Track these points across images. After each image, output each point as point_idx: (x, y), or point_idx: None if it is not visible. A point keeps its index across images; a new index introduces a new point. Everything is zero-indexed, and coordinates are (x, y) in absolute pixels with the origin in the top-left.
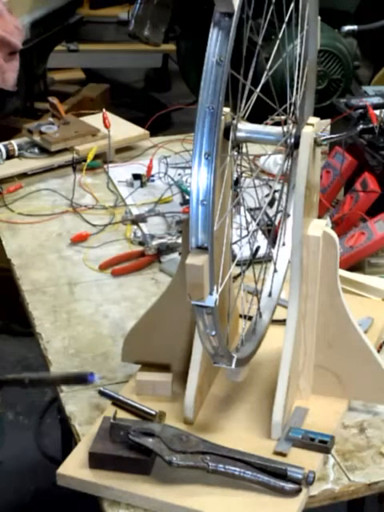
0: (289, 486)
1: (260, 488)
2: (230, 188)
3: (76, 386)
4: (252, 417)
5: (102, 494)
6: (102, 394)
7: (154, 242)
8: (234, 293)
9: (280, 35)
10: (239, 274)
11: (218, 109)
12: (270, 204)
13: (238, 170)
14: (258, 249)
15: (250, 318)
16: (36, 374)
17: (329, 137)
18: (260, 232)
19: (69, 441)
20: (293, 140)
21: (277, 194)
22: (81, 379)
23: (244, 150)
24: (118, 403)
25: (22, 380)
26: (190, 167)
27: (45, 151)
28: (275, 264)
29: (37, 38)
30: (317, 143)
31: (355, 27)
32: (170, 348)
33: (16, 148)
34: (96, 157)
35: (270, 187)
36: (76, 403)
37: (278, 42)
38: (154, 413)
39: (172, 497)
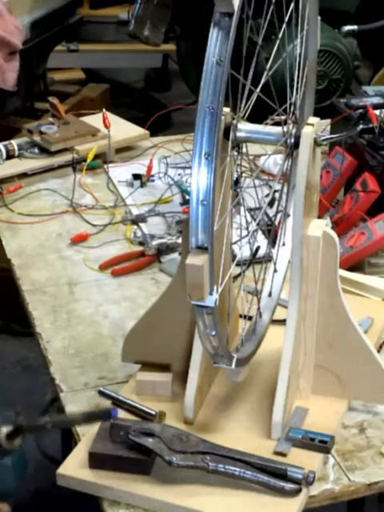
0: (289, 486)
1: (260, 488)
2: (230, 188)
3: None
4: (252, 417)
5: (102, 494)
6: (102, 393)
7: (154, 242)
8: (234, 293)
9: (280, 35)
10: (239, 274)
11: (218, 109)
12: (270, 204)
13: (238, 169)
14: (258, 249)
15: (250, 318)
16: (57, 417)
17: (329, 137)
18: (260, 232)
19: (69, 441)
20: (293, 140)
21: (277, 194)
22: (103, 415)
23: (244, 149)
24: (118, 403)
25: (43, 426)
26: (190, 167)
27: (45, 151)
28: (275, 264)
29: (37, 38)
30: (317, 143)
31: (355, 27)
32: (170, 348)
33: (16, 148)
34: (96, 157)
35: (270, 187)
36: (76, 403)
37: (278, 42)
38: (154, 413)
39: (172, 497)
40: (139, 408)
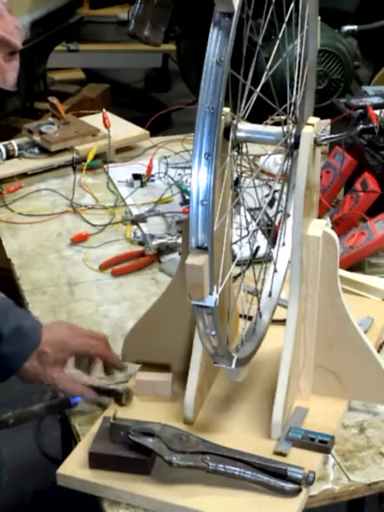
0: (289, 486)
1: (260, 488)
2: (229, 188)
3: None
4: (252, 417)
5: (102, 494)
6: None
7: (154, 242)
8: (234, 293)
9: (280, 35)
10: (239, 274)
11: (218, 109)
12: (270, 204)
13: (238, 169)
14: (257, 249)
15: (250, 318)
16: (19, 411)
17: (329, 137)
18: (260, 232)
19: (69, 441)
20: (293, 140)
21: (277, 194)
22: (64, 404)
23: (244, 149)
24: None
25: (5, 421)
26: (189, 167)
27: (45, 151)
28: (275, 264)
29: (37, 38)
30: (317, 143)
31: (355, 27)
32: (170, 348)
33: (16, 148)
34: (96, 157)
35: (270, 187)
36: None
37: (277, 42)
38: (120, 390)
39: (172, 497)
40: (105, 389)
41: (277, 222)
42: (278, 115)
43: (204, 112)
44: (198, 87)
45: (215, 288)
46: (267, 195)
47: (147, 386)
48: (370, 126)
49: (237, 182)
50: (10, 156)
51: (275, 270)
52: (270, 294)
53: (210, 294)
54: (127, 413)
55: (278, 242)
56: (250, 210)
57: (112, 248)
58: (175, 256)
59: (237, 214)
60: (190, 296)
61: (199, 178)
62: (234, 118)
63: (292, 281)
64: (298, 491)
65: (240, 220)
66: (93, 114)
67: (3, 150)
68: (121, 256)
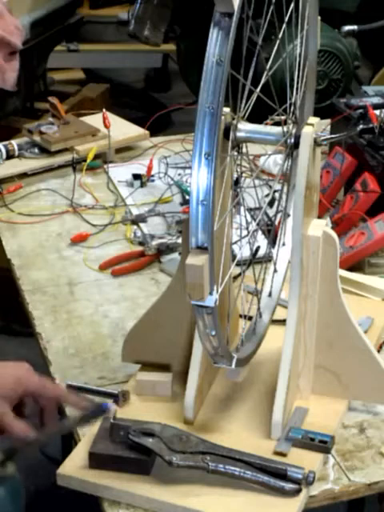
0: (289, 486)
1: (260, 488)
2: (230, 188)
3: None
4: (252, 417)
5: (102, 494)
6: (70, 386)
7: (154, 242)
8: (234, 293)
9: (280, 35)
10: (239, 274)
11: (218, 109)
12: (270, 204)
13: (238, 169)
14: (258, 249)
15: (250, 318)
16: (49, 430)
17: (329, 137)
18: (260, 232)
19: (69, 441)
20: (293, 140)
21: (277, 194)
22: (97, 412)
23: (244, 149)
24: (82, 391)
25: (36, 442)
26: (190, 167)
27: (45, 151)
28: (275, 264)
29: (37, 37)
30: (317, 143)
31: (355, 27)
32: (170, 348)
33: (16, 148)
34: (96, 157)
35: (270, 187)
36: None
37: (278, 42)
38: (116, 392)
39: (172, 497)
40: (102, 391)
41: (277, 222)
42: (278, 115)
43: (204, 112)
44: (198, 87)
45: (215, 288)
46: (267, 195)
47: (147, 386)
48: (370, 126)
49: (237, 182)
50: (10, 156)
51: (275, 270)
52: (270, 294)
53: (210, 294)
54: (127, 413)
55: (277, 242)
56: (249, 209)
57: (112, 248)
58: (175, 256)
59: (237, 214)
60: (189, 296)
61: (199, 178)
62: (234, 118)
63: (292, 281)
64: (298, 491)
65: (240, 220)
66: (93, 113)
67: (3, 150)
68: (121, 256)
